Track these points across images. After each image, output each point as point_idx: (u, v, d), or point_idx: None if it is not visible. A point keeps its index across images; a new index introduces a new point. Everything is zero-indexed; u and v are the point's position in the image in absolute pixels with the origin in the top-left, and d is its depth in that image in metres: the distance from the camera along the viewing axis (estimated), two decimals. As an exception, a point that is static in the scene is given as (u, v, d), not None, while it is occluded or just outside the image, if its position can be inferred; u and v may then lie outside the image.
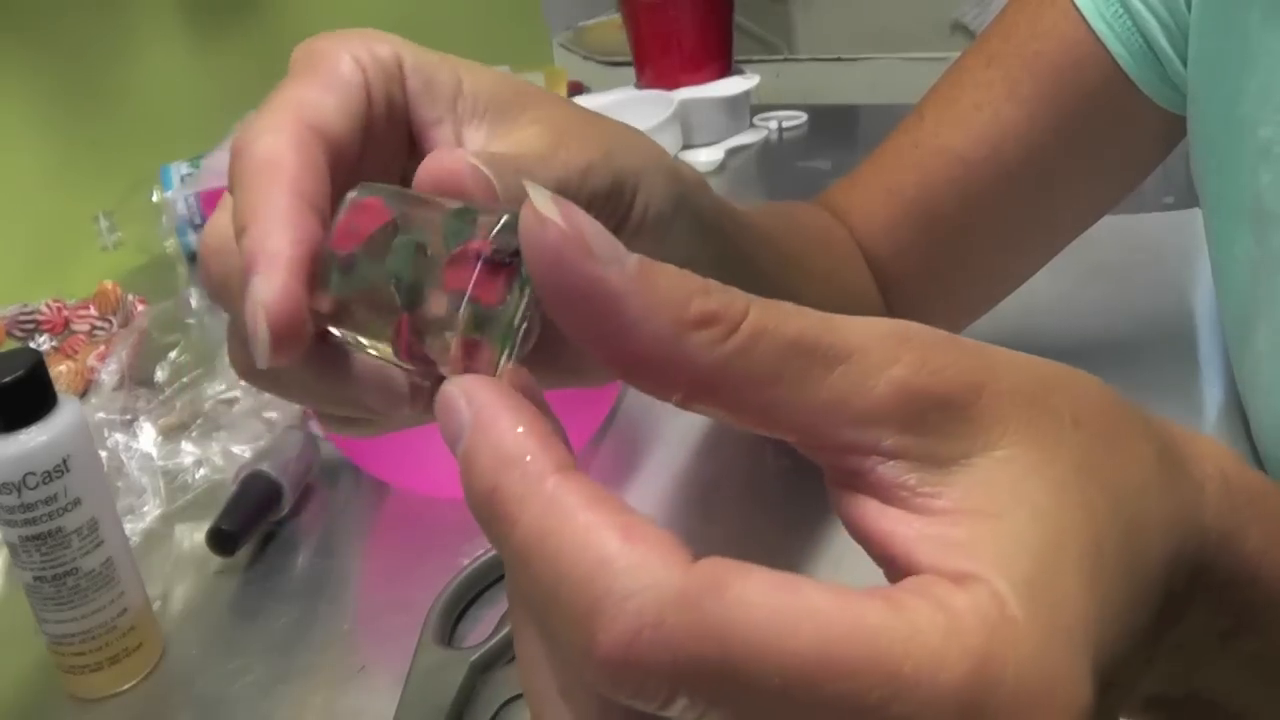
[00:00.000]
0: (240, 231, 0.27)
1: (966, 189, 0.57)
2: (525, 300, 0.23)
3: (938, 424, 0.21)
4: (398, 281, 0.24)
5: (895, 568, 0.22)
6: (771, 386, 0.21)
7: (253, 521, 0.62)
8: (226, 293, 0.29)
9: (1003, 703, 0.19)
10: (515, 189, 0.27)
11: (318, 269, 0.26)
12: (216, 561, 0.62)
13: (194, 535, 0.65)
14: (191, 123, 1.16)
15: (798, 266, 0.51)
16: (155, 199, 1.05)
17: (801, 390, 0.21)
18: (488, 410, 0.21)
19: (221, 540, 0.61)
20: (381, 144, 0.32)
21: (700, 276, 0.21)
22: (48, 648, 0.54)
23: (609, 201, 0.33)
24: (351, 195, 0.26)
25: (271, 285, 0.25)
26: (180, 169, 1.06)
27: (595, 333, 0.21)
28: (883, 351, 0.21)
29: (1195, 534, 0.24)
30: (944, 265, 0.60)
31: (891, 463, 0.22)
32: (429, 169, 0.28)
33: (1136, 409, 0.25)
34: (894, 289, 0.59)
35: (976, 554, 0.20)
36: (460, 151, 0.28)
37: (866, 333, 0.21)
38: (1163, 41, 0.53)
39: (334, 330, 0.26)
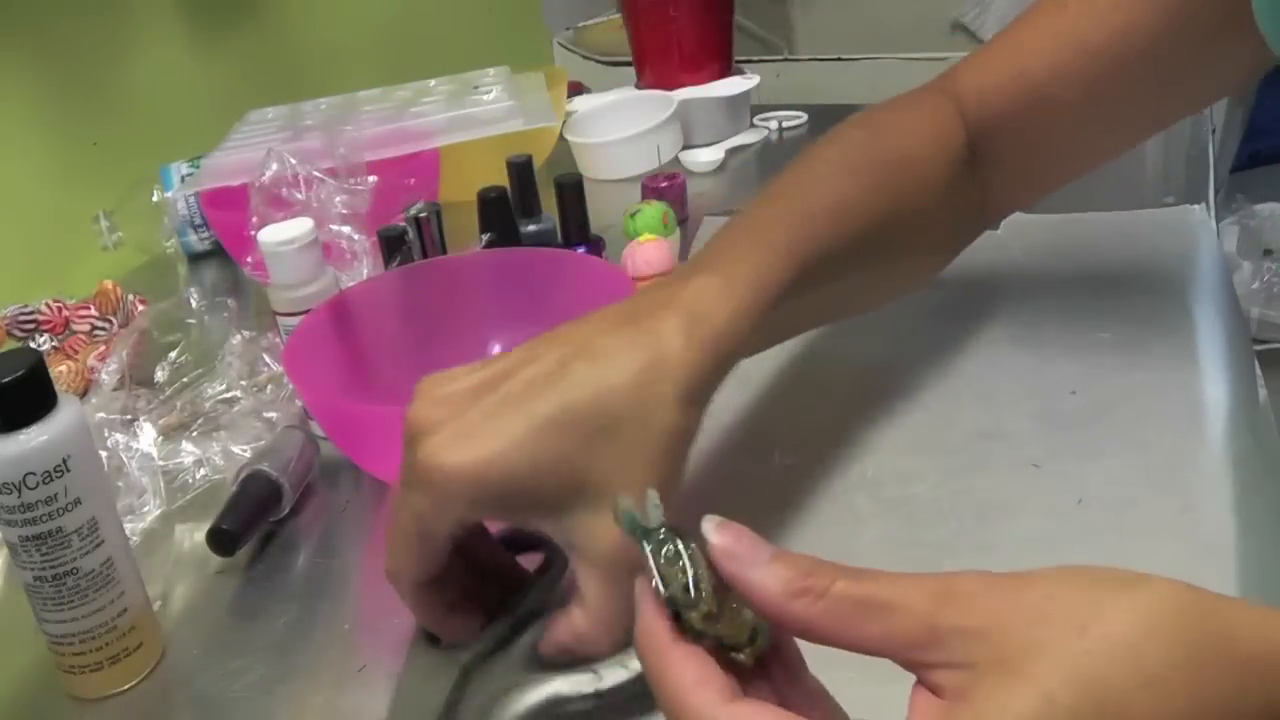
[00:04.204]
0: None
1: (1092, 79, 0.61)
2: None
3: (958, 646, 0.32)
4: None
5: None
6: (847, 629, 0.33)
7: (253, 521, 0.62)
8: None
9: None
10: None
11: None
12: (216, 561, 0.62)
13: (194, 535, 0.65)
14: (191, 123, 1.16)
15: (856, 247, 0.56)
16: (155, 199, 1.05)
17: (863, 630, 0.33)
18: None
19: (221, 540, 0.61)
20: None
21: (808, 563, 0.34)
22: (48, 648, 0.54)
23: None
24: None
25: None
26: (180, 169, 1.06)
27: (745, 596, 0.34)
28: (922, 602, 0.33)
29: None
30: (1046, 146, 0.64)
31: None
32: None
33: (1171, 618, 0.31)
34: (987, 158, 0.64)
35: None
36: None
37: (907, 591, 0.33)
38: None
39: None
